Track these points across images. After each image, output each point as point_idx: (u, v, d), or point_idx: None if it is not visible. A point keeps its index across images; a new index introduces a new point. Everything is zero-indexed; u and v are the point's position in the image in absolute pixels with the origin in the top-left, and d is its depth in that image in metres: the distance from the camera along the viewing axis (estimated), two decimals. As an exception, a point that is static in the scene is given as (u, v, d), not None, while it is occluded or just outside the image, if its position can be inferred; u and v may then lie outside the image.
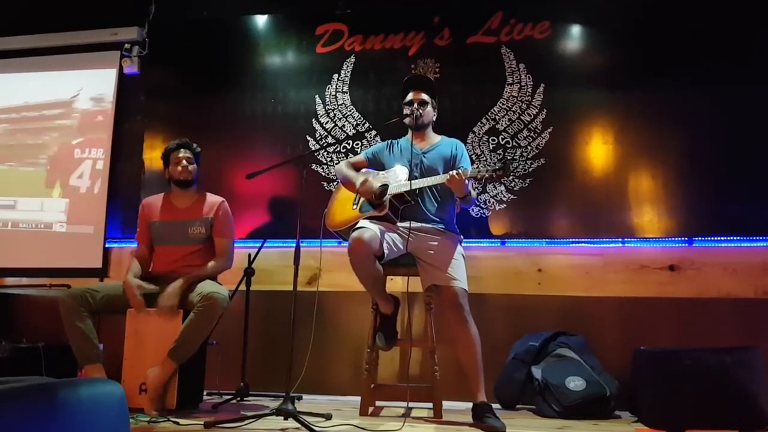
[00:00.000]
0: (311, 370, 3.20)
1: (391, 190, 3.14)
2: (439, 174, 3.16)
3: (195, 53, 4.67)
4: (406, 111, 3.32)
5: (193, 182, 3.53)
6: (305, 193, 3.04)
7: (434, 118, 3.41)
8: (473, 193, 3.18)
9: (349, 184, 3.34)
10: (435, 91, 3.42)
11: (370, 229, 2.97)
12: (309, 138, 4.35)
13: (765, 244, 3.73)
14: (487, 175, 2.92)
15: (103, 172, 4.60)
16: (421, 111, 3.30)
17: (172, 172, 3.50)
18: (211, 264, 3.39)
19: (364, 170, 3.42)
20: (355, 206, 3.27)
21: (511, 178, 4.00)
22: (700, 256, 3.79)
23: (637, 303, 3.78)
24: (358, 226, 3.04)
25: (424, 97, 3.34)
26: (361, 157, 3.53)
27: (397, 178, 3.20)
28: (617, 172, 3.96)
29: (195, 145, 3.58)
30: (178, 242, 3.43)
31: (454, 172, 2.96)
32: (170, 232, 3.46)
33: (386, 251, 3.01)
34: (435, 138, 3.40)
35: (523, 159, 4.03)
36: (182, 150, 3.52)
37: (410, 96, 3.36)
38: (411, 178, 3.14)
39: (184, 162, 3.48)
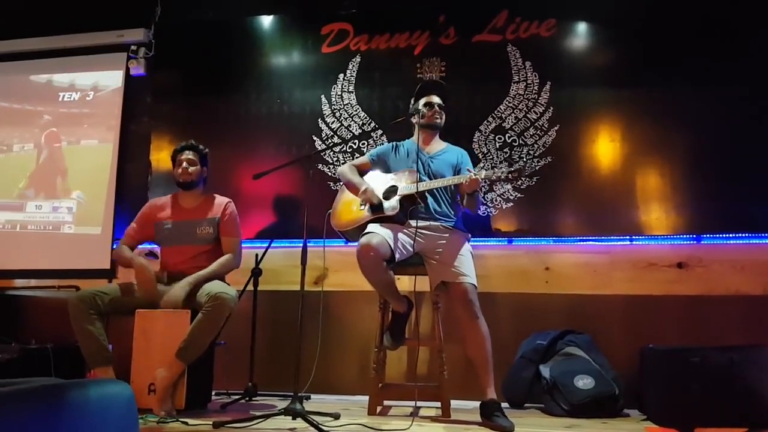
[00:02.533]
0: (319, 370, 3.21)
1: (401, 191, 3.14)
2: (450, 176, 3.18)
3: (201, 54, 4.68)
4: (425, 111, 3.33)
5: (196, 184, 3.52)
6: (312, 193, 3.05)
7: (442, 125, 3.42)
8: (479, 196, 3.19)
9: (352, 188, 3.35)
10: (448, 99, 3.44)
11: (378, 234, 2.99)
12: (315, 138, 4.35)
13: (774, 241, 3.71)
14: (503, 177, 2.95)
15: (111, 173, 4.61)
16: (439, 114, 3.34)
17: (175, 174, 3.52)
18: (219, 261, 3.39)
19: (371, 173, 3.42)
20: (362, 207, 3.27)
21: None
22: (708, 254, 3.78)
23: (645, 301, 3.77)
24: (366, 231, 3.05)
25: (441, 102, 3.38)
26: (364, 159, 3.53)
27: (407, 179, 3.20)
28: (624, 170, 3.94)
29: (201, 147, 3.57)
30: (187, 242, 3.44)
31: (472, 174, 2.98)
32: (178, 232, 3.47)
33: (398, 255, 3.02)
34: (441, 144, 3.42)
35: (530, 157, 4.02)
36: (185, 152, 3.52)
37: (433, 99, 3.37)
38: (419, 180, 3.14)
39: (185, 164, 3.49)
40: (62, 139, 4.79)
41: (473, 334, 3.00)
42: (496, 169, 2.97)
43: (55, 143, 4.79)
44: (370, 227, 3.09)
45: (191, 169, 3.49)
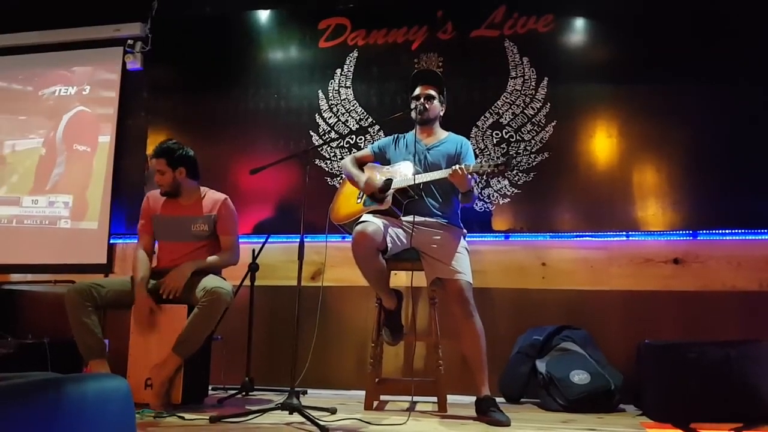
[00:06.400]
0: (316, 365, 3.21)
1: (395, 185, 3.14)
2: (441, 170, 3.16)
3: (198, 49, 4.67)
4: (412, 105, 3.32)
5: (173, 192, 3.43)
6: (308, 188, 3.04)
7: (441, 113, 3.39)
8: (475, 191, 3.18)
9: (352, 180, 3.35)
10: (443, 85, 3.39)
11: (373, 222, 2.97)
12: (312, 133, 4.35)
13: (770, 237, 3.72)
14: (489, 170, 2.90)
15: (107, 168, 4.60)
16: (427, 105, 3.29)
17: (154, 180, 3.46)
18: (218, 257, 3.39)
19: (370, 165, 3.42)
20: (359, 200, 3.28)
21: (514, 172, 3.99)
22: (704, 250, 3.78)
23: (642, 296, 3.78)
24: (361, 220, 3.05)
25: (431, 92, 3.32)
26: (367, 151, 3.53)
27: (402, 172, 3.20)
28: (621, 166, 3.95)
29: (170, 146, 3.41)
30: (182, 239, 3.42)
31: (457, 167, 2.95)
32: (173, 228, 3.45)
33: (390, 245, 3.01)
34: (442, 134, 3.38)
35: (527, 153, 4.02)
36: (153, 160, 3.40)
37: (417, 90, 3.33)
38: (415, 173, 3.13)
39: (157, 175, 3.40)
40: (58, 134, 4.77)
41: (468, 331, 3.00)
42: (483, 162, 2.93)
43: (79, 145, 4.75)
44: (365, 217, 3.08)
45: (164, 177, 3.39)
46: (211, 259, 3.37)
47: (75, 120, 4.80)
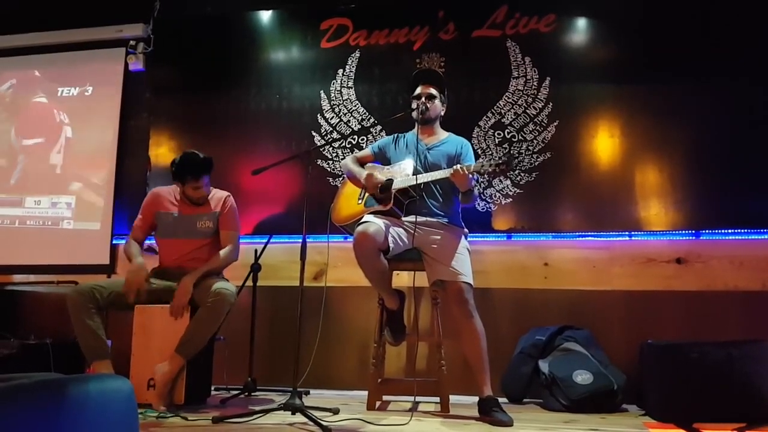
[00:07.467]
0: (318, 365, 3.21)
1: (396, 185, 3.14)
2: (443, 170, 3.16)
3: (200, 49, 4.67)
4: (414, 105, 3.31)
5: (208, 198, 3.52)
6: (311, 188, 3.04)
7: (442, 113, 3.39)
8: (476, 191, 3.17)
9: (354, 179, 3.34)
10: (444, 85, 3.40)
11: (374, 223, 2.97)
12: (314, 133, 4.35)
13: (772, 237, 3.71)
14: (490, 170, 2.89)
15: (109, 169, 4.61)
16: (428, 105, 3.29)
17: (188, 193, 3.44)
18: (218, 255, 3.39)
19: (370, 165, 3.42)
20: (360, 201, 3.27)
21: (516, 171, 3.99)
22: (707, 249, 3.78)
23: (644, 296, 3.77)
24: (363, 220, 3.04)
25: (432, 91, 3.32)
26: (367, 151, 3.53)
27: (403, 172, 3.20)
28: (624, 166, 3.94)
29: (205, 158, 3.42)
30: (186, 236, 3.44)
31: (458, 166, 2.95)
32: (178, 225, 3.46)
33: (392, 245, 3.01)
34: (442, 134, 3.38)
35: (529, 153, 4.02)
36: (201, 178, 3.39)
37: (418, 90, 3.34)
38: (415, 173, 3.13)
39: (202, 190, 3.43)
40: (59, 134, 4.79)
41: (468, 332, 3.00)
42: (485, 162, 2.92)
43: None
44: (366, 217, 3.08)
45: (204, 192, 3.45)
46: (210, 262, 3.36)
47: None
